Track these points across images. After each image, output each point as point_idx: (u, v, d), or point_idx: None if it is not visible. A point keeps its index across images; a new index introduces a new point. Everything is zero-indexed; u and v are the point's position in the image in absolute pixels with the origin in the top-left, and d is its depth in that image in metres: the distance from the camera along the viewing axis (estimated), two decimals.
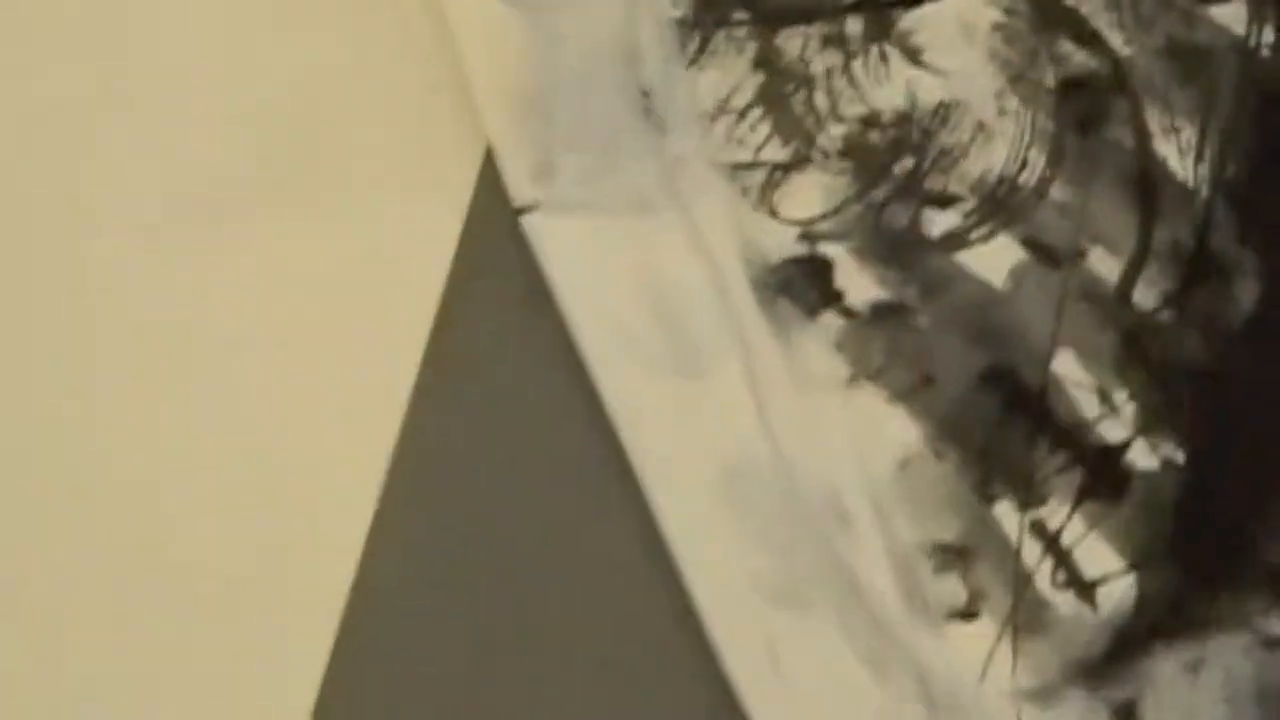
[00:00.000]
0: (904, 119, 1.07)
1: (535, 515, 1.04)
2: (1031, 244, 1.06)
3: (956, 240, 1.07)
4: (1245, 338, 1.04)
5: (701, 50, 1.08)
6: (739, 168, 1.07)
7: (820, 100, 1.08)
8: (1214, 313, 1.04)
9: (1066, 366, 1.04)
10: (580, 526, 1.04)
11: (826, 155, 1.07)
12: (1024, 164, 1.07)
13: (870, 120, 1.08)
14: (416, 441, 1.05)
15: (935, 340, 1.05)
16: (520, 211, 1.06)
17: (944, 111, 1.07)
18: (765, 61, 1.08)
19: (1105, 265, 1.06)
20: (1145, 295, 1.05)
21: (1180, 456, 1.02)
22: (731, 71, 1.08)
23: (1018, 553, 1.01)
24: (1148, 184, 1.06)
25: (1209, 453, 1.03)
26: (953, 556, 1.01)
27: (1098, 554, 1.01)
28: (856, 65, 1.08)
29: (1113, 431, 1.03)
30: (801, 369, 1.05)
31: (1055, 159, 1.07)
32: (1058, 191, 1.06)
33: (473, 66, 1.07)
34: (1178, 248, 1.05)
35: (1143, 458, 1.03)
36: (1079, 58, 1.07)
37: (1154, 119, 1.07)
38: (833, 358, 1.05)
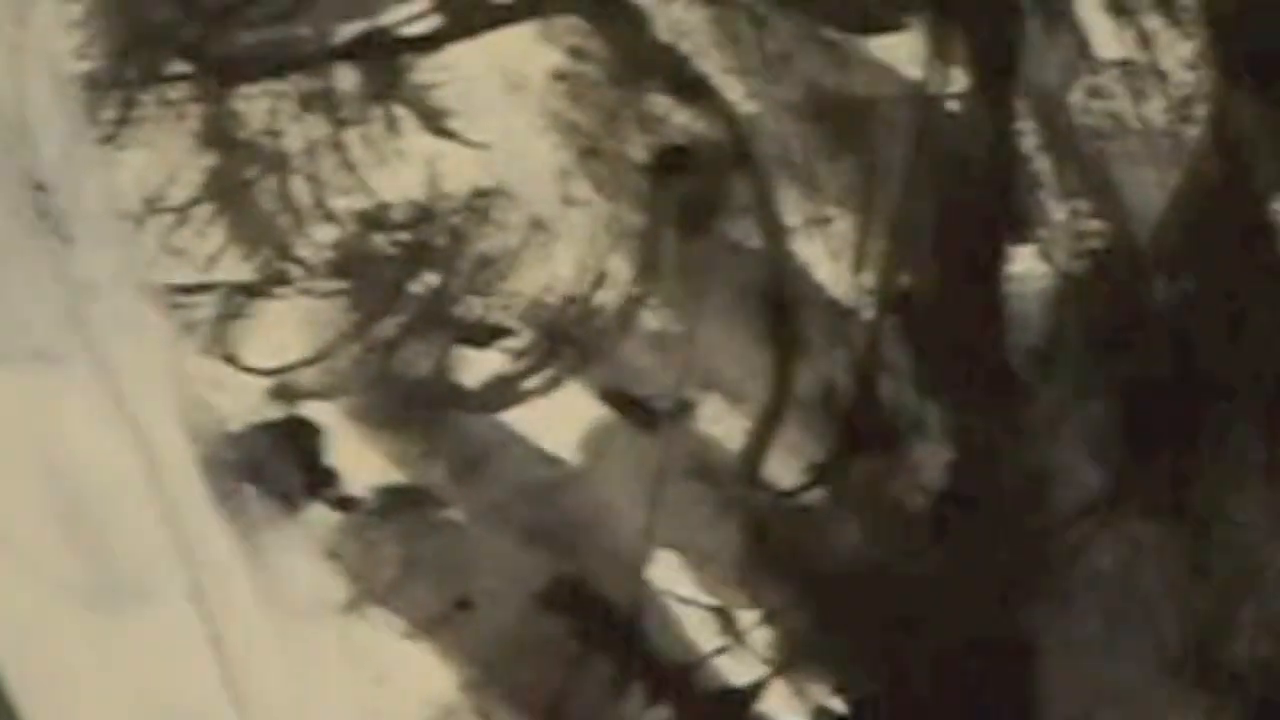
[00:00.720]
0: (423, 215, 0.97)
1: None
2: (614, 396, 0.97)
3: (504, 393, 0.97)
4: (931, 526, 0.95)
5: (123, 120, 0.96)
6: (180, 293, 0.96)
7: (300, 190, 0.97)
8: (884, 492, 0.95)
9: (668, 576, 0.96)
10: None
11: (310, 272, 0.97)
12: (601, 278, 0.97)
13: (374, 218, 0.97)
14: None
15: (475, 542, 0.96)
16: None
17: (482, 203, 0.98)
18: (217, 135, 0.97)
19: (723, 425, 0.97)
20: (783, 468, 0.96)
21: (839, 704, 0.94)
22: (168, 151, 0.96)
23: None
24: (783, 304, 0.97)
25: (884, 697, 0.95)
26: None
27: None
28: (352, 137, 0.97)
29: (738, 670, 0.95)
30: (278, 590, 0.94)
31: (648, 270, 0.97)
32: (652, 317, 0.97)
33: None
34: (830, 398, 0.96)
35: (783, 708, 0.95)
36: (680, 119, 0.98)
37: (791, 206, 0.97)
38: (324, 572, 0.95)
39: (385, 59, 0.97)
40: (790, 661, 0.95)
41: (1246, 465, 0.95)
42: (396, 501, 0.96)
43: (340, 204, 0.97)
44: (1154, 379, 0.96)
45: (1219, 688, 0.94)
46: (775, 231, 0.97)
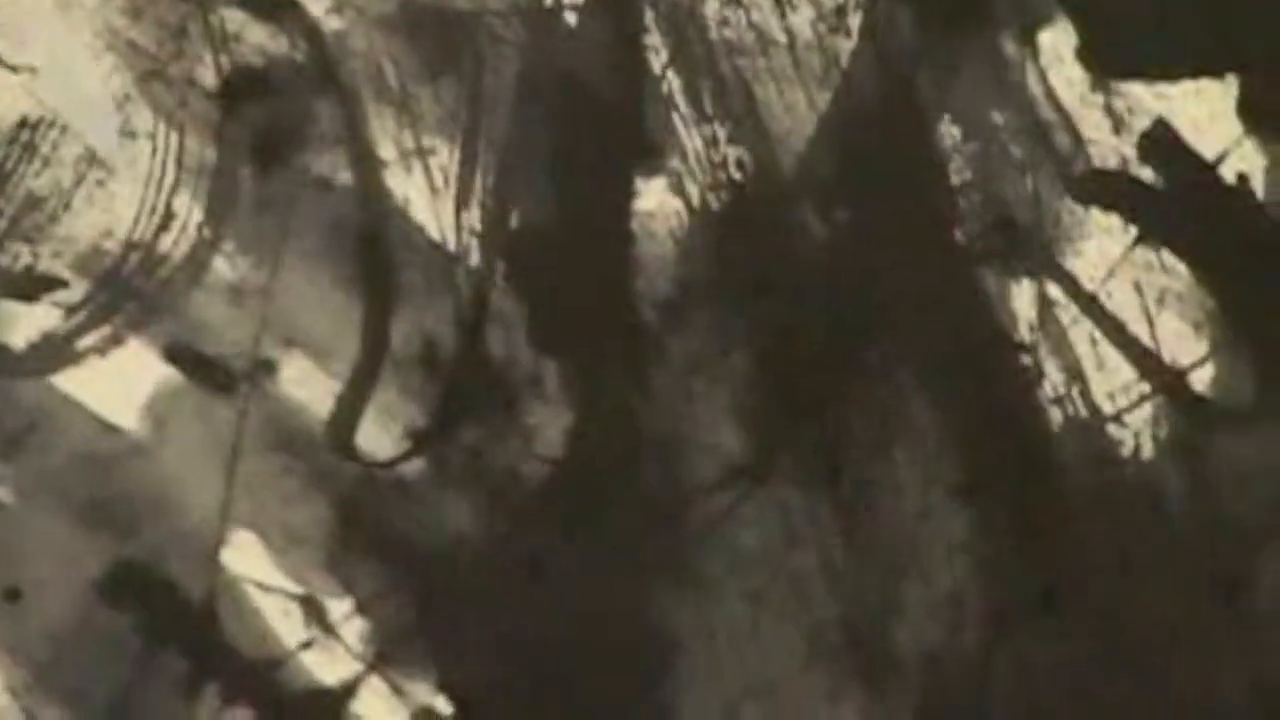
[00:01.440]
0: None
1: None
2: (183, 355, 0.94)
3: (56, 353, 0.94)
4: (550, 500, 0.93)
5: None
6: None
7: None
8: (495, 462, 0.94)
9: (247, 560, 0.94)
10: None
11: None
12: (167, 221, 0.95)
13: None
14: None
15: (23, 524, 0.93)
16: None
17: (28, 136, 0.95)
18: None
19: (309, 387, 0.95)
20: (378, 436, 0.94)
21: (443, 704, 0.93)
22: None
23: None
24: (377, 247, 0.95)
25: (496, 696, 0.93)
26: None
27: None
28: None
29: (328, 667, 0.93)
30: None
31: (220, 211, 0.95)
32: (225, 265, 0.95)
33: None
34: (432, 355, 0.94)
35: (380, 709, 0.93)
36: (256, 37, 0.95)
37: (385, 136, 0.96)
38: None
39: None
40: (388, 656, 0.93)
41: (909, 425, 0.93)
42: None
43: None
44: (803, 328, 0.93)
45: (879, 679, 0.92)
46: (367, 165, 0.94)
